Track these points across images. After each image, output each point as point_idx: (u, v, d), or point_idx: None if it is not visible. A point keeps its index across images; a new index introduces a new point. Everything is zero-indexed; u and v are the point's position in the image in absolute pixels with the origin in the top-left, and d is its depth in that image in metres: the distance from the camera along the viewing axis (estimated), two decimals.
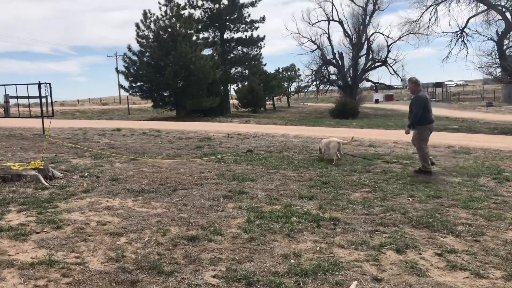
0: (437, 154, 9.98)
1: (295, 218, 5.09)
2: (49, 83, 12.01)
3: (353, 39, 41.44)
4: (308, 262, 3.85)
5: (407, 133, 8.43)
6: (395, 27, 57.18)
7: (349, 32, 42.09)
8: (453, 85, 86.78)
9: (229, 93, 39.14)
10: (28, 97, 12.90)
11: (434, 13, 28.22)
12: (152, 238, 4.35)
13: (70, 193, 6.10)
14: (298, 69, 51.36)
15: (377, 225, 4.93)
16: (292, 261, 3.88)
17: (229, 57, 35.67)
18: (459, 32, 27.82)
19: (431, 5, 27.55)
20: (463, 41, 27.79)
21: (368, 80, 45.28)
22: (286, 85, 51.13)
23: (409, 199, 6.09)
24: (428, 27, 28.86)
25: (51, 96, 12.26)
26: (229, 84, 37.49)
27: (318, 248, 4.18)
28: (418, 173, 7.94)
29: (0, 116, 15.73)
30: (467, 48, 28.13)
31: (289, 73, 50.61)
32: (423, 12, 28.47)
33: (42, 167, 6.98)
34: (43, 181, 6.58)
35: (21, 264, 3.62)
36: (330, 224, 4.92)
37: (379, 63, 42.45)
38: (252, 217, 5.06)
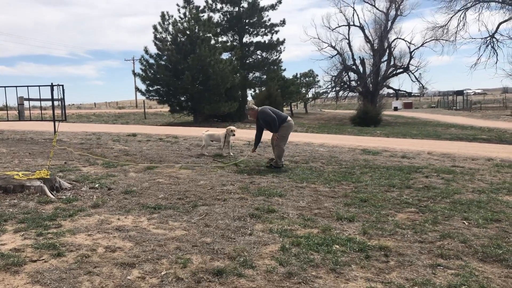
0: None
1: (337, 246, 4.29)
2: (62, 85, 11.39)
3: (374, 45, 40.50)
4: None
5: (253, 151, 9.75)
6: (418, 33, 56.33)
7: (370, 37, 41.26)
8: (472, 94, 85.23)
9: (247, 99, 38.42)
10: (40, 100, 12.31)
11: (463, 18, 27.07)
12: (170, 271, 3.59)
13: (77, 208, 5.39)
14: (317, 75, 50.47)
15: (436, 257, 4.10)
16: None
17: (247, 61, 35.00)
18: (489, 37, 26.65)
19: (459, 10, 26.39)
20: (493, 47, 26.60)
21: (389, 87, 44.23)
22: (304, 91, 50.21)
23: (464, 223, 5.24)
24: (456, 32, 27.67)
25: (63, 98, 11.65)
26: (247, 89, 36.76)
27: None
28: (269, 168, 8.81)
29: (13, 119, 15.21)
30: (497, 54, 26.94)
31: (307, 79, 49.69)
32: (451, 17, 27.33)
33: (48, 176, 6.30)
34: (48, 193, 5.89)
35: None
36: (381, 255, 4.11)
37: (401, 70, 41.41)
38: (287, 244, 4.28)
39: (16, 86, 12.33)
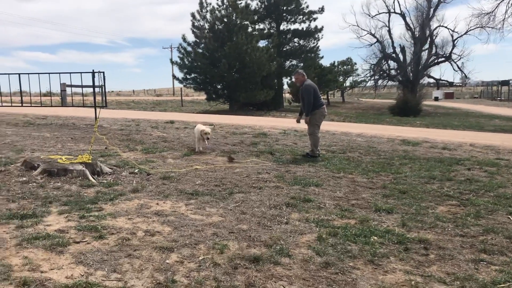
0: None
1: (375, 237, 4.22)
2: (103, 72, 11.68)
3: (416, 33, 39.32)
4: None
5: (298, 121, 9.41)
6: (462, 20, 54.02)
7: (411, 25, 40.02)
8: None
9: (283, 87, 38.20)
10: (82, 86, 12.67)
11: None
12: (208, 256, 3.63)
13: (118, 192, 5.53)
14: (355, 63, 49.44)
15: (479, 252, 3.97)
16: None
17: (284, 49, 34.71)
18: None
19: None
20: None
21: (430, 76, 42.95)
22: (342, 80, 49.41)
23: (509, 218, 5.04)
24: (503, 19, 26.49)
25: (104, 85, 11.93)
26: (282, 78, 36.54)
27: (413, 283, 3.30)
28: (306, 157, 8.69)
29: (56, 105, 15.74)
30: None
31: (345, 67, 48.79)
32: (499, 3, 26.14)
33: (90, 161, 6.49)
34: (90, 178, 6.07)
35: (53, 287, 3.00)
36: (421, 248, 4.01)
37: (443, 59, 40.11)
38: (324, 234, 4.24)
39: (59, 73, 12.73)
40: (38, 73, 12.84)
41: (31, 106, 15.15)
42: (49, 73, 12.90)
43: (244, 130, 13.76)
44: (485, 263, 3.74)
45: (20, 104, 14.29)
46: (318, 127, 8.86)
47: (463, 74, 40.91)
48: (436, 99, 57.53)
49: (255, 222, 4.60)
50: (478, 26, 33.00)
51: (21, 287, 2.98)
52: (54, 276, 3.17)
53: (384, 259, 3.73)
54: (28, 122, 14.12)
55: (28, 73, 13.07)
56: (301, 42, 35.10)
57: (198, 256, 3.64)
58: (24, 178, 5.98)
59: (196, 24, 27.63)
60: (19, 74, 13.12)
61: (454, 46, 39.63)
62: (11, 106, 14.56)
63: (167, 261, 3.52)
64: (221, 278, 3.26)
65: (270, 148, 9.87)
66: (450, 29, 40.05)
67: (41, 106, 16.15)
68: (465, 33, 37.91)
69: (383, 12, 40.82)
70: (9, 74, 13.24)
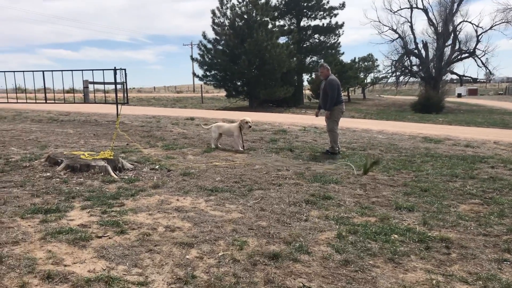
0: None
1: (396, 236, 4.18)
2: (124, 69, 11.79)
3: (438, 28, 38.65)
4: None
5: (317, 115, 9.37)
6: (487, 15, 52.90)
7: (434, 20, 39.40)
8: None
9: (303, 83, 38.05)
10: (104, 83, 12.84)
11: None
12: (227, 252, 3.65)
13: (139, 188, 5.60)
14: (376, 60, 48.97)
15: (502, 252, 3.89)
16: None
17: (304, 45, 34.59)
18: None
19: None
20: None
21: (453, 72, 42.24)
22: (363, 76, 48.94)
23: None
24: None
25: (125, 82, 12.04)
26: (303, 74, 36.40)
27: (434, 282, 3.26)
28: (325, 154, 8.66)
29: (79, 102, 16.00)
30: None
31: (366, 63, 48.34)
32: None
33: (112, 157, 6.59)
34: (112, 173, 6.16)
35: (76, 280, 3.06)
36: (442, 247, 3.96)
37: (466, 55, 39.37)
38: (344, 232, 4.22)
39: (82, 70, 12.93)
40: (61, 70, 13.04)
41: (54, 102, 15.43)
42: (72, 70, 13.12)
43: (263, 126, 13.76)
44: (508, 263, 3.67)
45: (44, 101, 14.57)
46: (336, 123, 8.83)
47: (488, 70, 40.07)
48: (459, 95, 56.54)
49: (275, 219, 4.60)
50: (503, 21, 32.46)
51: (45, 280, 3.05)
52: (76, 270, 3.23)
53: (405, 258, 3.69)
54: (52, 119, 14.41)
55: (52, 70, 13.30)
56: (322, 38, 34.96)
57: (218, 252, 3.66)
58: (48, 174, 6.12)
59: (216, 21, 27.73)
60: (43, 71, 13.36)
61: (478, 41, 38.96)
62: (36, 102, 14.85)
63: (187, 256, 3.55)
64: (240, 274, 3.27)
65: (290, 145, 9.86)
66: (474, 24, 39.36)
67: (64, 103, 16.44)
68: (490, 28, 37.28)
69: (405, 8, 40.48)
70: (33, 71, 13.52)
